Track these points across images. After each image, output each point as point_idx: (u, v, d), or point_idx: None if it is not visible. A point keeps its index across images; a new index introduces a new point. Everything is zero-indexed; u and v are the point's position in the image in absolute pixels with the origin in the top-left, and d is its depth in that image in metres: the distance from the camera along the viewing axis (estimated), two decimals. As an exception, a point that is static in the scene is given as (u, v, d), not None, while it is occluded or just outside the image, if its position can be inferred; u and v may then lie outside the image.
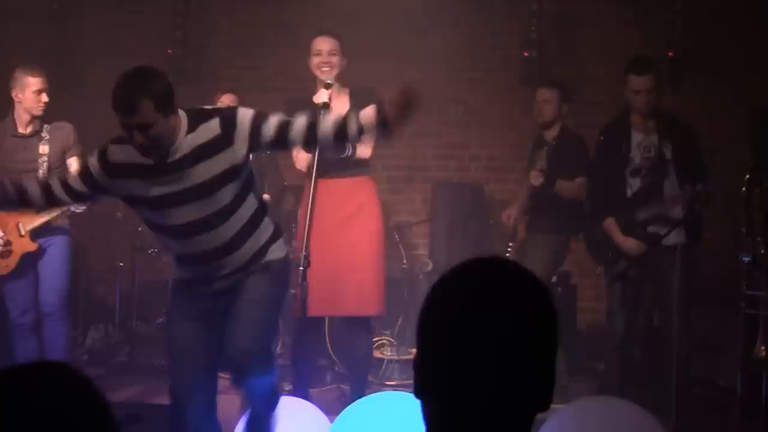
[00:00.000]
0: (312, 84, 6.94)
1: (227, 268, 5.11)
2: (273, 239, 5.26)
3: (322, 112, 6.58)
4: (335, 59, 6.83)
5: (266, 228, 5.25)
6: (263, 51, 11.08)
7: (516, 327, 1.90)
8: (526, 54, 10.37)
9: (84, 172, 5.14)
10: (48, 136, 7.53)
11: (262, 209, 5.25)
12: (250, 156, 5.05)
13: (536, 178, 7.89)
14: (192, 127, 4.89)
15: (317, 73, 6.84)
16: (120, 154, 4.96)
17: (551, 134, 8.17)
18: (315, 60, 6.85)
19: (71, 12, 11.22)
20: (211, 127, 4.90)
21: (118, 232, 9.17)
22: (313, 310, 6.65)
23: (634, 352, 7.61)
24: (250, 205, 5.12)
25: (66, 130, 7.70)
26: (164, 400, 7.76)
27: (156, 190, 4.91)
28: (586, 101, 9.94)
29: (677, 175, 7.27)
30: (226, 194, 4.96)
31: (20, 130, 7.54)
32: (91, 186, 5.10)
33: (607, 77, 9.74)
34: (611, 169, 7.44)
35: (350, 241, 6.75)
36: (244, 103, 7.99)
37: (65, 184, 5.18)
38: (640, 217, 7.26)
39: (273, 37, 11.04)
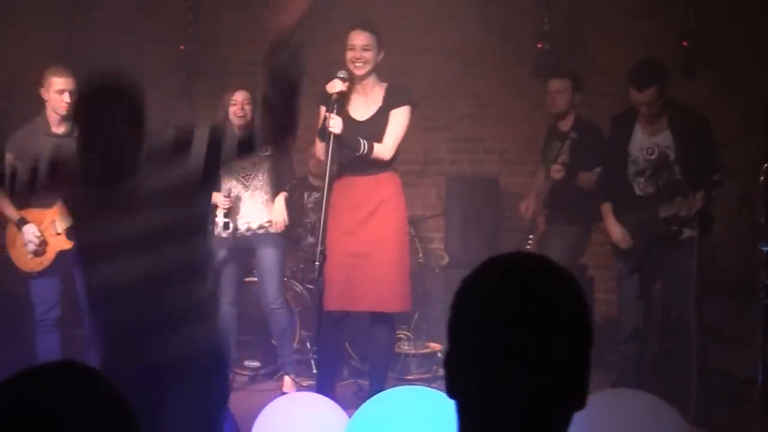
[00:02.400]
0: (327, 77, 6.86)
1: None
2: None
3: (335, 103, 6.58)
4: (369, 54, 6.75)
5: None
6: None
7: (552, 324, 1.87)
8: (539, 46, 10.34)
9: None
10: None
11: None
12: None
13: (558, 172, 7.86)
14: None
15: (350, 67, 6.77)
16: None
17: (566, 125, 8.14)
18: (348, 54, 6.78)
19: (82, 10, 11.21)
20: None
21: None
22: (334, 305, 6.66)
23: (649, 345, 7.59)
24: None
25: None
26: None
27: None
28: (599, 93, 9.91)
29: (683, 174, 7.23)
30: None
31: (53, 129, 7.60)
32: None
33: (620, 69, 9.70)
34: (613, 157, 7.43)
35: (372, 238, 6.72)
36: (256, 98, 7.99)
37: None
38: (653, 216, 7.23)
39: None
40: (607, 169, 7.56)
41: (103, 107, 4.03)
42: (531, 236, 8.29)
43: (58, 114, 7.55)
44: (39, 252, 7.55)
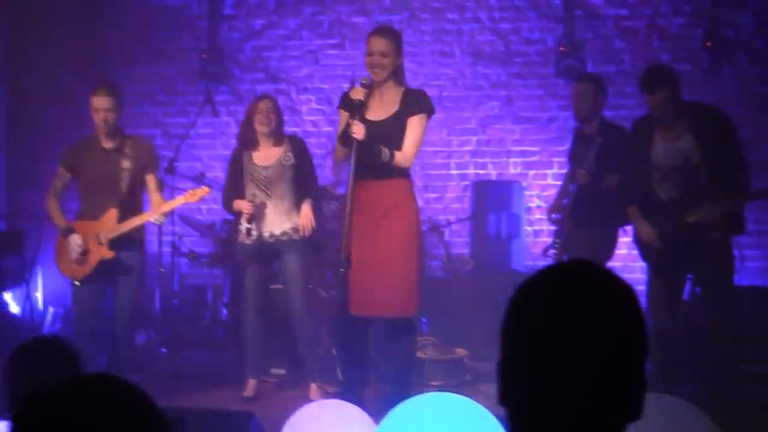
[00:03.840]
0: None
1: None
2: None
3: (358, 108, 6.58)
4: (387, 60, 6.73)
5: None
6: (298, 52, 11.07)
7: (609, 334, 1.86)
8: (561, 48, 10.32)
9: None
10: (130, 152, 7.70)
11: None
12: None
13: (584, 177, 7.82)
14: None
15: (369, 71, 6.77)
16: None
17: (591, 128, 8.09)
18: (367, 59, 6.78)
19: (105, 19, 11.27)
20: None
21: (159, 237, 9.15)
22: (347, 310, 6.66)
23: (677, 348, 7.53)
24: None
25: (146, 147, 7.95)
26: (207, 404, 7.78)
27: None
28: (624, 93, 9.89)
29: (708, 177, 7.16)
30: None
31: (103, 144, 7.72)
32: None
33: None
34: (636, 162, 7.38)
35: (381, 243, 6.69)
36: (279, 106, 8.02)
37: None
38: (680, 221, 7.17)
39: (308, 38, 11.03)
40: (631, 174, 7.51)
41: None
42: (557, 239, 8.23)
43: (100, 131, 7.67)
44: (81, 260, 7.65)
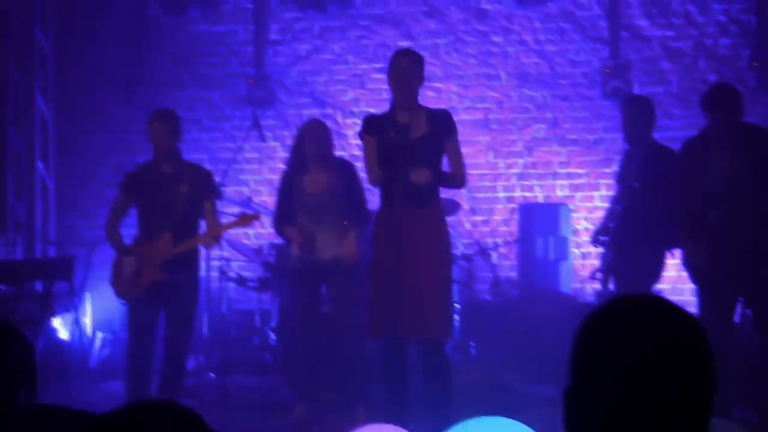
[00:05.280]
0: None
1: None
2: None
3: (402, 131, 6.59)
4: (412, 80, 6.76)
5: None
6: (344, 76, 11.10)
7: (678, 370, 1.87)
8: (607, 70, 10.30)
9: None
10: (187, 178, 7.70)
11: None
12: None
13: (630, 197, 7.79)
14: None
15: (393, 92, 6.80)
16: None
17: (639, 149, 8.04)
18: (391, 80, 6.81)
19: (152, 44, 11.37)
20: None
21: (207, 262, 9.18)
22: (382, 332, 6.66)
23: (729, 370, 7.46)
24: None
25: (204, 173, 7.93)
26: (256, 429, 7.78)
27: None
28: (671, 115, 9.85)
29: (761, 198, 7.11)
30: None
31: (162, 169, 7.78)
32: None
33: (692, 91, 9.65)
34: (687, 183, 7.33)
35: (419, 266, 6.67)
36: (330, 130, 8.04)
37: None
38: (732, 242, 7.11)
39: (353, 62, 11.06)
40: (681, 195, 7.45)
41: None
42: (605, 261, 8.18)
43: (159, 157, 7.76)
44: (134, 282, 7.69)
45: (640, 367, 1.85)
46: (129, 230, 7.79)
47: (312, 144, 7.88)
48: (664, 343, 1.88)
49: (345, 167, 8.04)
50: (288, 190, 8.01)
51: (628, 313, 1.95)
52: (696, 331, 1.93)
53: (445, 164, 6.82)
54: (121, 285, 7.77)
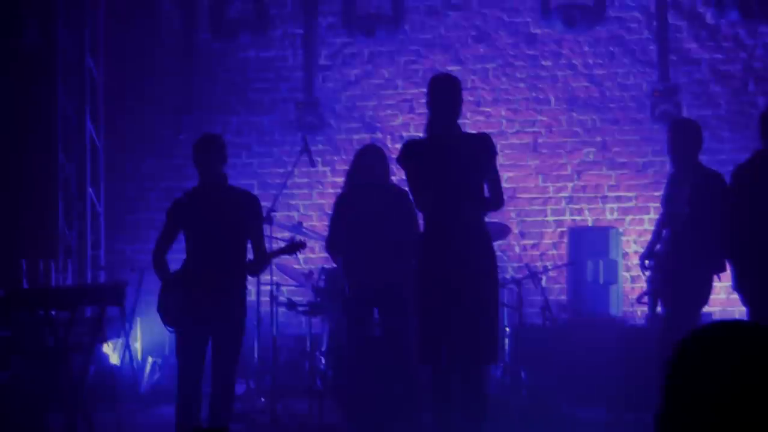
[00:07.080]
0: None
1: None
2: None
3: (441, 157, 6.62)
4: (449, 104, 6.75)
5: None
6: (393, 101, 11.13)
7: None
8: (656, 93, 10.28)
9: None
10: (233, 203, 7.66)
11: None
12: None
13: (678, 222, 7.74)
14: None
15: (431, 116, 6.77)
16: None
17: (686, 173, 7.99)
18: (429, 104, 6.79)
19: (201, 70, 11.45)
20: None
21: (257, 287, 9.21)
22: (429, 359, 6.66)
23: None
24: None
25: (251, 199, 7.86)
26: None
27: None
28: (720, 138, 9.81)
29: None
30: None
31: (208, 195, 7.72)
32: None
33: (741, 114, 9.62)
34: (738, 209, 7.28)
35: (462, 291, 6.65)
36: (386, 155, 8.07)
37: None
38: None
39: (403, 87, 11.08)
40: (729, 221, 7.40)
41: None
42: (652, 284, 8.13)
43: (205, 183, 7.72)
44: (183, 309, 7.59)
45: (737, 392, 1.88)
46: (178, 256, 7.79)
47: (367, 169, 7.91)
48: (760, 367, 1.90)
49: (397, 192, 8.05)
50: (341, 213, 8.04)
51: (721, 338, 1.98)
52: None
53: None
54: (167, 313, 7.80)
